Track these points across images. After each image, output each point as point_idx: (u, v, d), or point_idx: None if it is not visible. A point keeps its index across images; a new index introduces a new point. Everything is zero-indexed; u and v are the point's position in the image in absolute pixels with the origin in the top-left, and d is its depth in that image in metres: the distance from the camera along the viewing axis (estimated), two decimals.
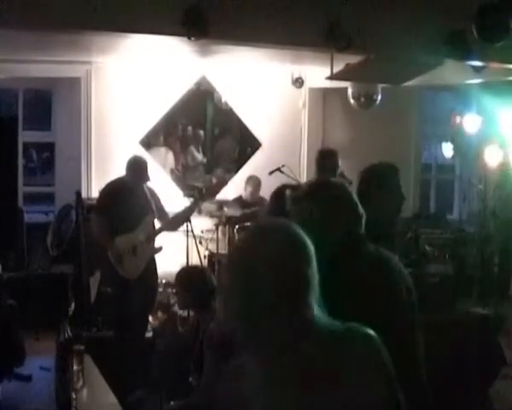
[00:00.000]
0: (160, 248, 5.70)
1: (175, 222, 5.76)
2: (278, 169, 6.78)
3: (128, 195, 5.49)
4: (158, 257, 5.83)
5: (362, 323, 1.54)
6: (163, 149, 7.59)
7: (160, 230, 5.69)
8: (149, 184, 5.71)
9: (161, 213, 5.71)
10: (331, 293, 1.56)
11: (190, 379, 3.51)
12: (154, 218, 5.65)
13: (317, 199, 2.13)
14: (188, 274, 3.77)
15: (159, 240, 5.81)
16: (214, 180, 7.79)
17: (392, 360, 1.53)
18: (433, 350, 2.31)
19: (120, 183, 5.62)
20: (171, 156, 7.62)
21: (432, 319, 2.78)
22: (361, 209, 2.16)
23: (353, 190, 5.60)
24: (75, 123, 7.31)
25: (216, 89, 7.68)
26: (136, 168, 5.57)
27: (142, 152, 7.41)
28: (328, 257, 1.70)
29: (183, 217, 5.73)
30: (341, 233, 2.10)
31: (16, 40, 5.46)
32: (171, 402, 3.45)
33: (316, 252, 1.53)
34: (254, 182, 7.18)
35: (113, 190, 5.58)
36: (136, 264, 5.49)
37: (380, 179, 2.97)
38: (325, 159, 5.51)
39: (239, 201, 7.18)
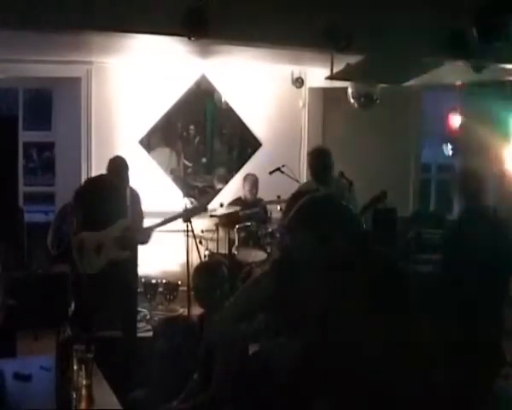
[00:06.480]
0: (126, 255, 5.39)
1: (146, 234, 5.51)
2: (278, 169, 6.79)
3: (106, 193, 5.36)
4: (158, 257, 5.82)
5: None
6: (163, 149, 7.58)
7: (132, 239, 5.41)
8: (133, 187, 5.57)
9: (136, 221, 5.48)
10: None
11: (195, 376, 3.51)
12: (128, 223, 5.42)
13: None
14: (216, 266, 3.75)
15: (158, 240, 5.78)
16: (215, 180, 7.80)
17: None
18: (434, 350, 2.31)
19: (102, 180, 5.53)
20: (171, 156, 7.62)
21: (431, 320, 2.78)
22: None
23: (354, 189, 5.55)
24: (75, 123, 7.30)
25: (216, 89, 7.68)
26: (111, 169, 5.45)
27: (142, 152, 7.43)
28: None
29: (155, 229, 5.51)
30: None
31: (16, 40, 5.46)
32: (174, 402, 3.45)
33: None
34: (251, 180, 7.19)
35: (93, 185, 5.52)
36: (95, 263, 5.33)
37: None
38: (316, 159, 5.51)
39: (239, 201, 7.18)
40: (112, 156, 5.58)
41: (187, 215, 5.60)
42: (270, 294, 2.38)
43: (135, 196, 5.57)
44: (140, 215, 5.58)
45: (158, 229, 5.53)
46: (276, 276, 2.41)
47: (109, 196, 5.36)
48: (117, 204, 5.38)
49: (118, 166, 5.44)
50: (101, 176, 5.63)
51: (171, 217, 5.66)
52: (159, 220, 5.55)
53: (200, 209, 5.80)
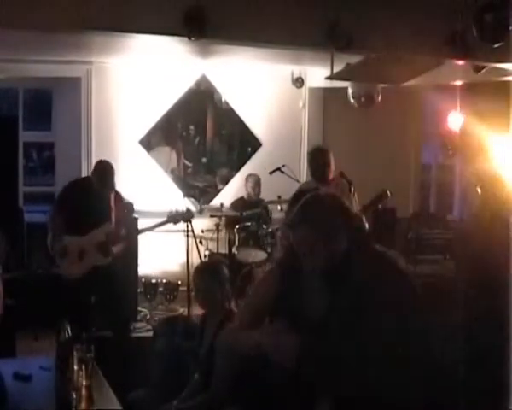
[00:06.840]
0: (107, 260, 5.33)
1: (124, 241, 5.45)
2: (278, 169, 6.78)
3: (89, 197, 5.29)
4: (158, 257, 5.81)
5: None
6: (163, 149, 7.59)
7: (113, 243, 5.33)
8: (119, 191, 5.50)
9: (117, 227, 5.37)
10: None
11: (195, 376, 3.51)
12: (111, 228, 5.33)
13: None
14: (217, 266, 3.72)
15: (158, 240, 5.77)
16: (217, 180, 7.80)
17: None
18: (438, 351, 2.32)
19: (85, 183, 5.48)
20: (171, 156, 7.62)
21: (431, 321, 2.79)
22: None
23: (354, 189, 5.53)
24: (75, 123, 7.31)
25: (216, 89, 7.68)
26: (95, 173, 5.38)
27: (142, 151, 7.43)
28: None
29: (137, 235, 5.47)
30: None
31: (16, 40, 5.46)
32: (174, 402, 3.45)
33: None
34: (254, 179, 7.19)
35: (75, 188, 5.44)
36: (78, 268, 5.29)
37: None
38: (315, 159, 5.52)
39: (241, 201, 7.18)
40: (97, 159, 5.53)
41: (174, 221, 5.53)
42: (273, 294, 2.37)
43: (119, 200, 5.48)
44: (121, 221, 5.46)
45: (157, 229, 5.50)
46: (279, 275, 2.41)
47: (92, 199, 5.28)
48: (100, 208, 5.30)
49: (101, 171, 5.36)
50: (83, 179, 5.57)
51: (155, 224, 5.49)
52: (158, 220, 5.54)
53: (186, 216, 5.69)
